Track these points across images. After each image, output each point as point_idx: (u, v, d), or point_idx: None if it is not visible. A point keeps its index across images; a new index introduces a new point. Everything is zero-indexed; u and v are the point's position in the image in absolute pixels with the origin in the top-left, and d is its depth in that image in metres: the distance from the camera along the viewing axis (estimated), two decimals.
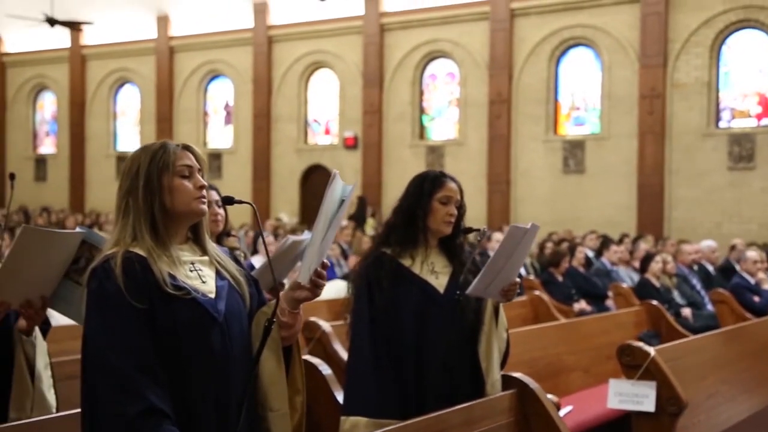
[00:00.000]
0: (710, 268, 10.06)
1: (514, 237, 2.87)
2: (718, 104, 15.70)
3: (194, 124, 21.86)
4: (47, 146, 24.73)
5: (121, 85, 23.32)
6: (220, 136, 21.87)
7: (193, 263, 2.15)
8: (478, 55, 18.00)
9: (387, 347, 2.98)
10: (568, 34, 17.01)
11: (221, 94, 21.89)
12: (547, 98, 17.36)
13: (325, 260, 2.11)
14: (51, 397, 2.60)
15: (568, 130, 17.35)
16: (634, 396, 3.82)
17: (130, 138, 23.18)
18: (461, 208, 3.09)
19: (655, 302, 6.70)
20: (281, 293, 2.18)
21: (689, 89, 15.72)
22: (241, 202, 2.17)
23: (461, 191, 3.11)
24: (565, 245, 10.37)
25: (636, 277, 9.60)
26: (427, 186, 3.08)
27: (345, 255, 10.98)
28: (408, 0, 18.72)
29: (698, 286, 8.99)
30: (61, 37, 22.77)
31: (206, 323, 2.07)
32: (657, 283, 8.24)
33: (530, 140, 17.48)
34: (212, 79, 21.93)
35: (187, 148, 2.17)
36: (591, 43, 16.84)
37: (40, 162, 24.45)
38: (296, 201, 20.36)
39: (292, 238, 3.92)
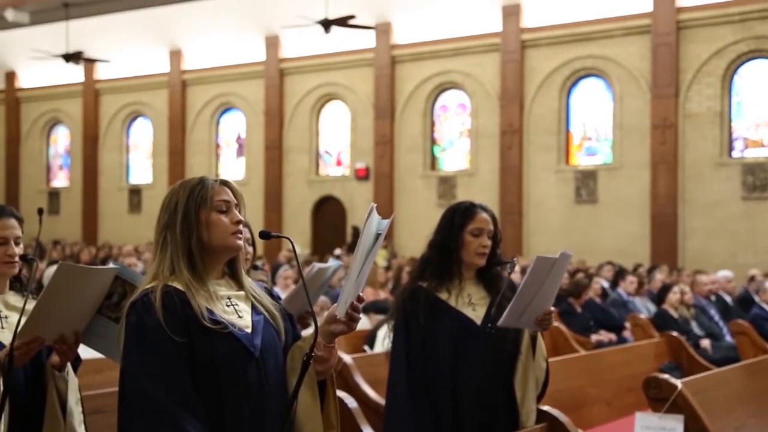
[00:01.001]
0: (728, 298, 10.00)
1: (540, 268, 2.86)
2: (731, 134, 15.70)
3: (206, 156, 21.98)
4: (60, 179, 24.89)
5: (134, 119, 23.51)
6: (232, 168, 21.96)
7: (229, 298, 2.16)
8: (489, 86, 18.09)
9: (423, 381, 2.97)
10: (579, 64, 17.09)
11: (233, 126, 22.03)
12: (559, 128, 17.40)
13: (361, 294, 2.12)
14: None
15: (580, 160, 17.37)
16: (662, 430, 3.77)
17: (142, 171, 23.32)
18: (495, 237, 3.09)
19: (675, 333, 6.65)
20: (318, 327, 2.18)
21: (701, 119, 15.73)
22: (278, 236, 2.18)
23: (495, 220, 3.11)
24: (581, 275, 10.33)
25: (652, 308, 9.55)
26: (458, 219, 3.09)
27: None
28: (419, 32, 18.86)
29: (716, 317, 8.93)
30: (75, 72, 23.01)
31: (243, 358, 2.08)
32: (675, 314, 8.20)
33: (542, 170, 17.49)
34: (224, 111, 22.08)
35: (225, 183, 2.19)
36: (602, 73, 16.91)
37: (54, 195, 24.59)
38: (308, 232, 20.38)
39: (317, 265, 3.93)
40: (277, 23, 19.61)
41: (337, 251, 13.13)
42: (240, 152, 21.91)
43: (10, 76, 24.80)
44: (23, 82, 24.81)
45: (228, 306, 2.13)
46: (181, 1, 20.16)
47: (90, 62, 20.26)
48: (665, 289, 8.37)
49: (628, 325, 8.49)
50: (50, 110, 24.66)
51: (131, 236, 21.04)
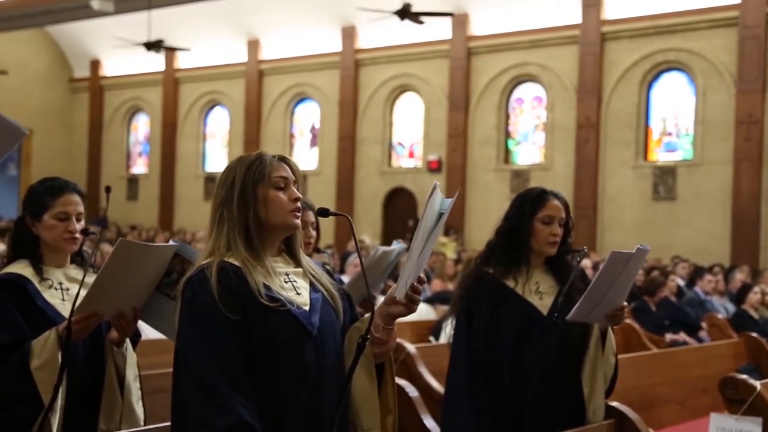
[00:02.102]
0: None
1: (615, 263, 2.74)
2: None
3: (280, 145, 22.16)
4: (139, 166, 25.48)
5: (212, 108, 23.87)
6: (305, 157, 22.11)
7: (287, 274, 2.11)
8: (567, 78, 17.75)
9: (484, 370, 2.88)
10: (661, 57, 16.61)
11: (307, 116, 22.17)
12: (638, 123, 16.96)
13: (422, 275, 2.05)
14: (139, 409, 2.59)
15: (659, 155, 16.90)
16: None
17: (218, 159, 23.67)
18: (567, 225, 2.97)
19: (755, 334, 6.39)
20: (376, 309, 2.12)
21: None
22: (336, 214, 2.12)
23: (567, 207, 2.99)
24: (656, 273, 10.04)
25: (731, 308, 9.23)
26: (528, 206, 2.98)
27: (428, 278, 10.87)
28: (496, 23, 18.62)
29: None
30: (155, 61, 23.48)
31: (300, 336, 2.03)
32: (755, 315, 7.89)
33: (619, 166, 17.09)
34: (299, 101, 22.24)
35: (283, 159, 2.15)
36: (685, 67, 16.41)
37: (132, 181, 25.19)
38: (379, 223, 20.37)
39: (381, 248, 3.88)
40: (354, 14, 19.62)
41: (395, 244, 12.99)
42: (314, 142, 22.05)
43: (95, 65, 25.48)
44: (107, 70, 25.45)
45: (286, 282, 2.08)
46: None
47: (170, 51, 20.63)
48: (745, 288, 8.06)
49: (704, 325, 8.21)
50: (131, 98, 25.24)
51: (205, 223, 21.21)
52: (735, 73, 15.63)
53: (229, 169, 2.13)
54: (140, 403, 2.60)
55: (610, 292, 2.76)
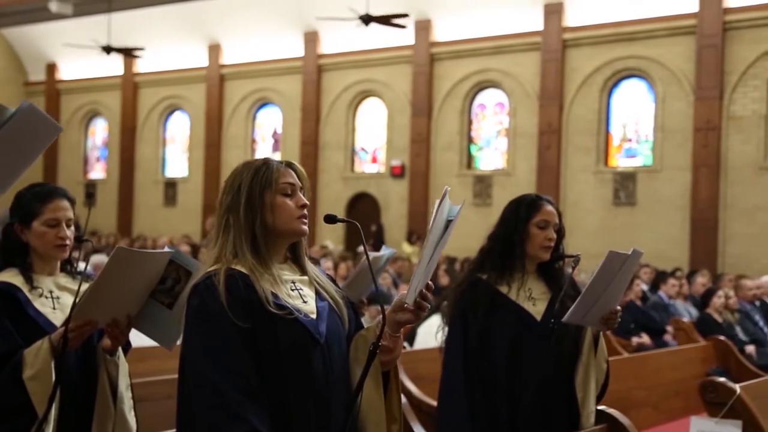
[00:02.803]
0: None
1: (611, 264, 2.77)
2: None
3: (242, 150, 22.02)
4: (97, 171, 25.11)
5: (172, 112, 23.63)
6: None
7: (294, 282, 2.09)
8: (529, 85, 17.92)
9: (479, 376, 2.88)
10: (621, 65, 16.86)
11: (270, 121, 22.06)
12: (599, 129, 17.18)
13: (430, 282, 2.04)
14: (131, 419, 2.54)
15: (619, 161, 17.14)
16: None
17: (178, 164, 23.44)
18: (560, 231, 3.00)
19: (722, 338, 6.49)
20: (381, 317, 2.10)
21: (746, 122, 15.43)
22: (343, 220, 2.10)
23: (559, 214, 3.01)
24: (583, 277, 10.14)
25: (694, 312, 9.37)
26: (523, 211, 3.00)
27: (395, 284, 10.88)
28: (458, 30, 18.73)
29: (761, 323, 8.73)
30: (114, 65, 23.18)
31: (308, 345, 2.01)
32: (719, 319, 8.02)
33: (580, 171, 17.29)
34: (261, 106, 22.13)
35: (290, 165, 2.13)
36: (644, 74, 16.67)
37: (90, 186, 24.79)
38: (342, 229, 20.33)
39: (372, 253, 3.86)
40: (316, 19, 19.60)
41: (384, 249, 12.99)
42: (276, 147, 21.93)
43: (51, 68, 25.06)
44: (63, 73, 25.04)
45: (293, 290, 2.06)
46: None
47: (129, 55, 20.37)
48: (709, 293, 8.19)
49: (670, 328, 8.33)
50: (89, 102, 24.87)
51: (165, 228, 21.17)
52: (693, 80, 15.92)
53: (234, 174, 2.11)
54: (132, 412, 2.55)
55: (604, 295, 2.78)
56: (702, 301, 8.33)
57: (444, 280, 10.03)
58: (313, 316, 2.05)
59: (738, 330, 7.99)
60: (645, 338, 8.25)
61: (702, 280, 10.13)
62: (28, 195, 2.54)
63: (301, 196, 2.10)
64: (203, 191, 22.34)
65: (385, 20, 15.86)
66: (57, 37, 23.03)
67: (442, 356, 3.02)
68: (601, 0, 16.95)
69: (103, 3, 18.20)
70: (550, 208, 3.02)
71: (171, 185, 23.35)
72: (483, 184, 18.58)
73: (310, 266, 2.16)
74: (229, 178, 2.11)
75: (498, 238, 3.02)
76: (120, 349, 2.52)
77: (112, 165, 24.42)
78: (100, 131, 25.15)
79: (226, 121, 22.33)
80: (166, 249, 2.44)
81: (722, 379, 3.82)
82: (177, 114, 23.58)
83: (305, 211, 2.08)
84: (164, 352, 4.41)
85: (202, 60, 22.38)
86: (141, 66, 23.44)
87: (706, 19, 15.73)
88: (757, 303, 9.37)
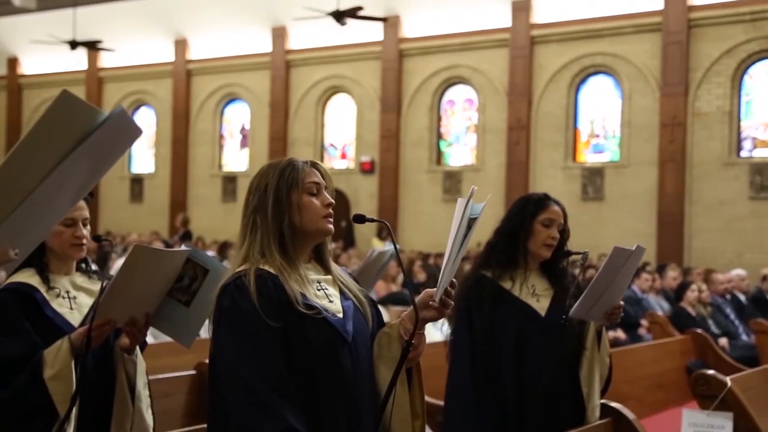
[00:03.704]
0: (741, 297, 9.98)
1: (617, 259, 2.83)
2: (739, 133, 15.69)
3: (210, 146, 21.90)
4: None
5: (138, 108, 23.38)
6: (235, 158, 21.89)
7: (319, 282, 2.11)
8: (497, 81, 18.04)
9: (486, 371, 2.92)
10: (588, 61, 17.05)
11: (238, 117, 21.94)
12: (567, 125, 17.37)
13: (454, 279, 2.07)
14: (149, 417, 2.54)
15: (588, 157, 17.35)
16: (710, 427, 3.73)
17: (145, 160, 23.21)
18: (564, 231, 3.05)
19: (700, 331, 6.63)
20: (404, 314, 2.14)
21: (710, 118, 15.72)
22: (372, 220, 2.13)
23: (565, 214, 3.07)
24: (592, 272, 10.29)
25: (665, 305, 9.53)
26: (531, 208, 3.05)
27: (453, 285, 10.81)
28: (427, 26, 18.79)
29: (732, 316, 8.91)
30: (78, 60, 22.87)
31: (337, 343, 2.03)
32: (693, 312, 8.17)
33: (549, 167, 17.46)
34: (229, 102, 21.99)
35: (314, 165, 2.14)
36: (611, 71, 16.88)
37: None
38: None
39: (377, 249, 3.91)
40: (285, 14, 19.54)
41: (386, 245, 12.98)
42: (244, 143, 21.83)
43: (12, 63, 24.64)
44: (25, 68, 24.65)
45: (319, 290, 2.08)
46: None
47: (94, 50, 20.11)
48: (683, 286, 8.34)
49: (644, 322, 8.46)
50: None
51: (132, 225, 20.96)
52: (659, 77, 16.15)
53: (260, 175, 2.12)
54: (149, 410, 2.55)
55: (609, 290, 2.84)
56: (676, 295, 8.47)
57: (421, 276, 10.07)
58: (340, 316, 2.08)
59: (711, 323, 8.15)
60: (620, 333, 8.37)
61: (673, 274, 10.31)
62: None
63: (327, 195, 2.12)
64: (170, 187, 22.16)
65: (356, 15, 15.84)
66: (18, 31, 22.65)
67: (448, 352, 3.05)
68: None
69: None
70: (556, 207, 3.08)
71: (137, 181, 23.12)
72: (452, 180, 18.68)
73: (333, 266, 2.19)
74: (254, 179, 2.12)
75: (503, 233, 3.07)
76: (137, 347, 2.52)
77: None
78: None
79: (193, 117, 22.17)
80: (183, 247, 2.44)
81: (712, 372, 3.90)
82: (143, 109, 23.34)
83: (331, 210, 2.10)
84: (159, 351, 4.42)
85: (168, 55, 22.18)
86: (106, 61, 23.16)
87: (671, 17, 15.98)
88: (728, 296, 9.57)
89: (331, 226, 2.10)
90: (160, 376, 3.69)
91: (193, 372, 3.74)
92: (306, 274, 2.08)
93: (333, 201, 2.11)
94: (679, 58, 15.89)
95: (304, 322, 1.99)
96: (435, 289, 2.08)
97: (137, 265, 2.29)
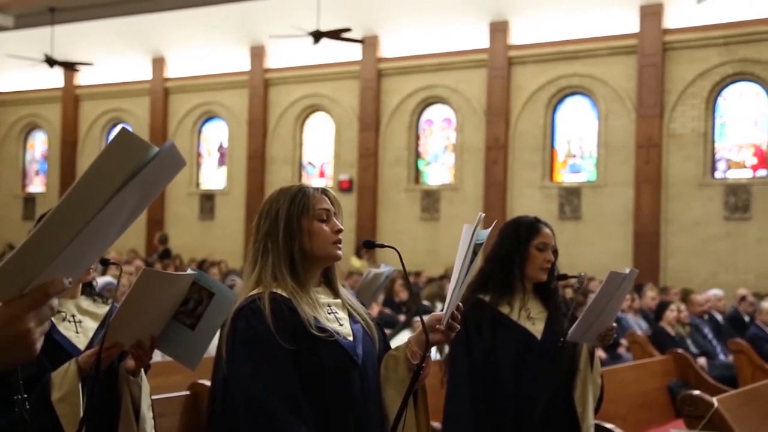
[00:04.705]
0: (719, 317, 10.12)
1: (612, 282, 2.89)
2: (713, 155, 15.94)
3: (187, 164, 21.83)
4: (36, 185, 24.56)
5: (114, 125, 23.26)
6: (213, 177, 21.85)
7: (329, 305, 2.15)
8: (476, 101, 18.20)
9: (485, 395, 2.96)
10: (565, 82, 17.26)
11: (215, 135, 21.91)
12: (544, 145, 17.54)
13: (460, 303, 2.12)
14: None
15: (565, 177, 17.52)
16: None
17: None
18: (555, 252, 3.11)
19: (681, 351, 6.72)
20: (410, 337, 2.18)
21: (685, 140, 15.96)
22: (382, 245, 2.17)
23: (554, 235, 3.12)
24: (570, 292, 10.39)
25: (644, 325, 9.63)
26: (524, 233, 3.10)
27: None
28: (406, 46, 18.94)
29: (710, 336, 9.04)
30: (55, 78, 22.76)
31: (348, 366, 2.07)
32: (672, 332, 8.28)
33: (526, 186, 17.61)
34: (207, 120, 21.96)
35: (324, 192, 2.19)
36: (588, 92, 17.10)
37: (29, 201, 24.26)
38: None
39: (373, 270, 3.94)
40: (263, 33, 19.60)
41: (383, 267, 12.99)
42: (222, 161, 21.79)
43: None
44: (1, 85, 24.47)
45: (329, 314, 2.13)
46: (165, 8, 20.06)
47: (70, 67, 20.02)
48: (663, 306, 8.45)
49: (624, 342, 8.55)
50: (28, 115, 24.35)
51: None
52: (635, 98, 16.39)
53: (271, 201, 2.16)
54: (153, 431, 2.57)
55: (603, 312, 2.90)
56: (655, 315, 8.57)
57: (403, 295, 10.13)
58: (351, 339, 2.12)
59: (689, 343, 8.26)
60: (600, 352, 8.44)
61: (651, 294, 10.43)
62: None
63: (336, 221, 2.16)
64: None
65: (336, 36, 15.94)
66: None
67: (445, 374, 3.09)
68: (545, 19, 17.35)
69: (46, 15, 17.88)
70: (548, 230, 3.14)
71: None
72: (431, 199, 18.77)
73: (342, 289, 2.23)
74: (265, 205, 2.16)
75: (497, 258, 3.11)
76: (142, 369, 2.53)
77: (52, 178, 23.92)
78: (39, 144, 24.62)
79: (170, 135, 22.08)
80: (189, 271, 2.47)
81: (699, 393, 3.98)
82: (120, 127, 23.18)
83: (340, 236, 2.15)
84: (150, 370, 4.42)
85: (146, 73, 22.13)
86: (82, 79, 23.07)
87: (646, 39, 16.23)
88: (706, 317, 9.70)
89: (341, 252, 2.14)
90: (154, 396, 3.69)
91: (187, 393, 3.74)
92: (317, 298, 2.12)
93: (342, 227, 2.16)
94: (655, 80, 16.14)
95: (316, 345, 2.03)
96: (442, 312, 2.12)
97: (146, 288, 2.32)
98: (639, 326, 9.64)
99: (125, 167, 1.19)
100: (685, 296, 9.87)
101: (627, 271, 2.94)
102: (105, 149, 1.20)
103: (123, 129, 1.19)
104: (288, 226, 2.09)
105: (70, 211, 1.20)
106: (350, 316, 2.18)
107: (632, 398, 5.52)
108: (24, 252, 1.22)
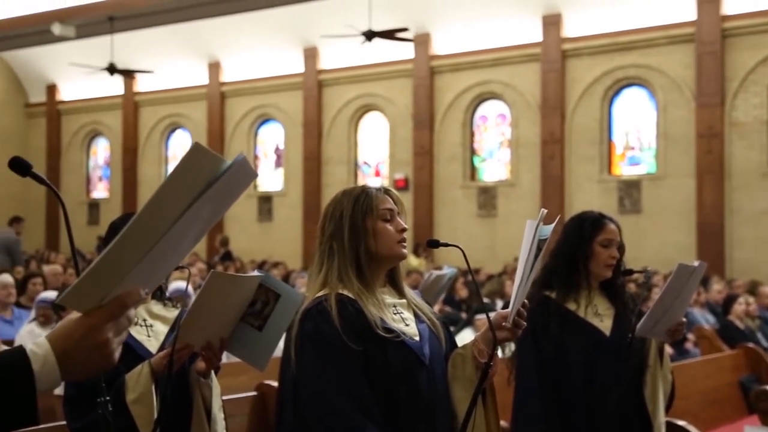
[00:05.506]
0: None
1: (681, 276, 2.84)
2: None
3: None
4: (100, 191, 25.14)
5: (173, 130, 23.70)
6: (270, 179, 22.08)
7: (395, 306, 2.16)
8: (530, 95, 18.04)
9: (555, 395, 2.93)
10: (621, 74, 17.00)
11: (272, 137, 22.14)
12: (601, 138, 17.30)
13: (525, 301, 2.11)
14: None
15: (623, 169, 17.26)
16: None
17: None
18: (621, 248, 3.06)
19: (752, 345, 6.56)
20: (477, 335, 2.18)
21: (748, 128, 15.58)
22: (447, 244, 2.18)
23: (620, 231, 3.08)
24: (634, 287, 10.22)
25: (711, 319, 9.43)
26: (587, 229, 3.06)
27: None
28: (458, 43, 18.86)
29: None
30: (114, 85, 23.27)
31: (415, 366, 2.07)
32: (741, 326, 8.09)
33: (584, 180, 17.39)
34: (263, 123, 22.21)
35: (387, 192, 2.20)
36: (645, 82, 16.81)
37: (93, 206, 24.84)
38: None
39: (435, 272, 3.95)
40: (315, 35, 19.72)
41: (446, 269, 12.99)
42: (278, 163, 22.01)
43: (51, 89, 25.13)
44: (64, 94, 25.12)
45: (395, 314, 2.13)
46: (220, 14, 20.32)
47: (130, 75, 20.45)
48: (730, 299, 8.26)
49: (691, 336, 8.38)
50: (90, 122, 24.94)
51: None
52: (694, 87, 16.06)
53: (335, 202, 2.17)
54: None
55: (672, 307, 2.85)
56: (723, 309, 8.38)
57: (463, 293, 10.11)
58: (417, 339, 2.12)
59: (759, 336, 8.06)
60: (667, 348, 8.29)
61: (718, 287, 10.21)
62: (121, 225, 2.59)
63: (400, 220, 2.17)
64: None
65: (388, 35, 15.96)
66: (57, 59, 23.10)
67: (512, 374, 3.06)
68: (599, 10, 17.11)
69: (105, 25, 18.27)
70: (613, 226, 3.09)
71: None
72: (487, 196, 18.67)
73: (407, 289, 2.23)
74: (329, 207, 2.18)
75: (561, 255, 3.07)
76: (212, 371, 2.58)
77: (114, 184, 24.46)
78: (101, 151, 25.21)
79: (227, 139, 22.40)
80: (256, 273, 2.51)
81: None
82: (178, 132, 23.65)
83: (404, 235, 2.15)
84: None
85: (202, 78, 22.47)
86: (141, 85, 23.53)
87: (704, 27, 15.89)
88: None
89: (405, 251, 2.15)
90: (222, 397, 3.75)
91: (254, 393, 3.79)
92: (383, 299, 2.13)
93: (406, 227, 2.17)
94: (714, 68, 15.79)
95: (383, 345, 2.04)
96: (507, 310, 2.11)
97: (214, 290, 2.36)
98: (706, 320, 9.45)
99: (198, 181, 1.23)
100: (753, 288, 9.64)
101: (696, 264, 2.88)
102: (179, 164, 1.24)
103: (196, 143, 1.22)
104: (353, 227, 2.10)
105: (145, 225, 1.24)
106: (416, 316, 2.18)
107: (703, 394, 5.41)
108: (102, 265, 1.26)
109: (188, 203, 1.23)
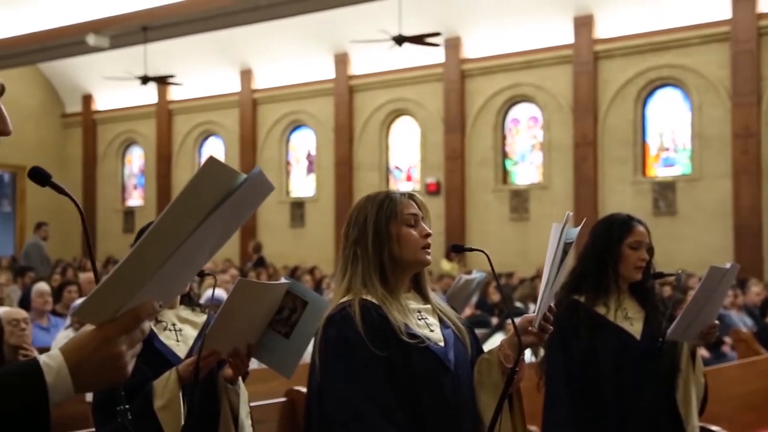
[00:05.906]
0: None
1: (713, 278, 2.80)
2: None
3: (277, 173, 22.20)
4: (135, 199, 25.43)
5: (206, 138, 23.90)
6: (302, 184, 22.17)
7: (419, 311, 2.15)
8: (562, 98, 17.92)
9: (585, 400, 2.90)
10: (654, 74, 16.82)
11: (303, 143, 22.24)
12: (635, 139, 17.14)
13: (552, 305, 2.09)
14: None
15: (658, 171, 17.07)
16: None
17: None
18: (650, 250, 3.02)
19: None
20: (503, 340, 2.16)
21: None
22: (471, 249, 2.17)
23: (649, 233, 3.05)
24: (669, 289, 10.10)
25: (749, 322, 9.29)
26: (616, 232, 3.03)
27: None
28: (488, 46, 18.80)
29: None
30: (148, 94, 23.53)
31: (440, 372, 2.06)
32: None
33: (618, 182, 17.23)
34: (294, 129, 22.31)
35: (411, 197, 2.19)
36: (679, 83, 16.62)
37: (129, 214, 25.12)
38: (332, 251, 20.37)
39: (464, 277, 3.94)
40: (345, 41, 19.78)
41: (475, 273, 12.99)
42: (310, 169, 22.10)
43: (87, 99, 25.48)
44: (99, 104, 25.46)
45: (419, 320, 2.13)
46: (251, 22, 20.46)
47: (163, 83, 20.66)
48: None
49: (728, 339, 8.26)
50: (125, 131, 25.25)
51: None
52: (729, 87, 15.84)
53: (359, 208, 2.17)
54: None
55: (704, 309, 2.81)
56: (761, 311, 8.25)
57: (495, 296, 10.06)
58: (442, 344, 2.11)
59: None
60: (703, 351, 8.18)
61: (756, 290, 10.06)
62: None
63: (424, 225, 2.16)
64: None
65: (419, 40, 15.96)
66: (92, 69, 23.43)
67: (542, 379, 3.03)
68: (631, 11, 16.95)
69: (139, 35, 18.46)
70: (641, 228, 3.05)
71: None
72: (519, 199, 18.58)
73: (432, 295, 2.23)
74: (353, 212, 2.18)
75: (590, 258, 3.05)
76: (240, 378, 2.59)
77: (149, 192, 24.72)
78: (136, 159, 25.50)
79: (260, 145, 22.55)
80: (283, 280, 2.51)
81: None
82: (211, 139, 23.85)
83: (429, 241, 2.14)
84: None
85: (234, 85, 22.65)
86: (175, 94, 23.77)
87: (739, 25, 15.68)
88: None
89: (429, 257, 2.14)
90: (251, 403, 3.77)
91: (284, 399, 3.80)
92: (407, 304, 2.12)
93: (431, 232, 2.16)
94: (750, 67, 15.57)
95: (408, 351, 2.03)
96: (533, 314, 2.10)
97: (241, 298, 2.37)
98: (744, 323, 9.31)
99: (213, 195, 1.23)
100: None
101: (728, 265, 2.83)
102: (193, 177, 1.24)
103: (211, 157, 1.23)
104: (376, 232, 2.10)
105: (160, 238, 1.25)
106: (441, 321, 2.17)
107: (739, 399, 5.32)
108: (116, 277, 1.27)
109: (203, 217, 1.23)
